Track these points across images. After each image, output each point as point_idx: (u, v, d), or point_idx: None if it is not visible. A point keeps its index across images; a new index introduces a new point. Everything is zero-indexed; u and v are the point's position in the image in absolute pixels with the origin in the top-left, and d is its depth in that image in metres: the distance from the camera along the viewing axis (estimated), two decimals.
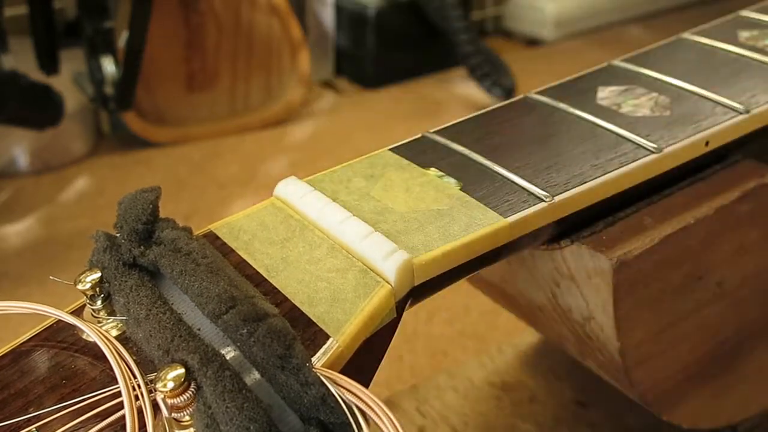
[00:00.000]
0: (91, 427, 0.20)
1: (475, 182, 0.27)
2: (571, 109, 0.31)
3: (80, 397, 0.21)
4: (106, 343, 0.21)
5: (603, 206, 0.29)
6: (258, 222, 0.26)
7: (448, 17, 1.11)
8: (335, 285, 0.23)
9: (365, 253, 0.24)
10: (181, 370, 0.19)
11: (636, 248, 0.28)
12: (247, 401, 0.19)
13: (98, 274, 0.23)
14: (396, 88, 1.14)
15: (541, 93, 0.33)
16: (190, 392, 0.19)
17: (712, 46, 0.36)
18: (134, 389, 0.20)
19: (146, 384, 0.20)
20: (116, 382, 0.20)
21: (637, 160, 0.29)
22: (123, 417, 0.19)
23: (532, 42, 1.32)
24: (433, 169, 0.28)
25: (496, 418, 0.40)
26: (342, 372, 0.21)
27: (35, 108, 0.75)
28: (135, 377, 0.20)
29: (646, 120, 0.31)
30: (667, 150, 0.29)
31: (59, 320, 0.23)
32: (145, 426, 0.19)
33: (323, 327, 0.22)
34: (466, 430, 0.40)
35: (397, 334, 0.24)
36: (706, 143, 0.30)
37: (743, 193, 0.30)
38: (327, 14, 1.15)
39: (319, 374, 0.20)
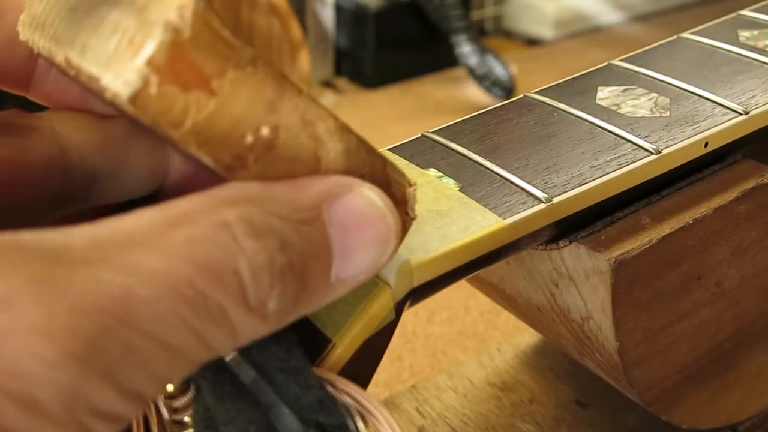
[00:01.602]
0: None
1: (474, 183, 0.27)
2: (571, 110, 0.31)
3: None
4: None
5: (602, 207, 0.29)
6: None
7: (448, 17, 1.11)
8: None
9: None
10: None
11: (634, 248, 0.28)
12: (247, 403, 0.19)
13: None
14: (396, 88, 1.14)
15: (540, 93, 0.33)
16: (190, 394, 0.19)
17: (712, 46, 0.36)
18: None
19: None
20: None
21: (636, 161, 0.29)
22: None
23: (532, 42, 1.32)
24: (432, 169, 0.28)
25: (495, 419, 0.41)
26: (341, 373, 0.21)
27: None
28: None
29: (645, 121, 0.31)
30: (666, 151, 0.29)
31: None
32: (148, 427, 0.19)
33: (322, 328, 0.22)
34: (465, 430, 0.40)
35: (397, 333, 0.24)
36: (706, 144, 0.30)
37: (742, 193, 0.30)
38: (327, 14, 1.15)
39: (317, 376, 0.20)
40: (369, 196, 0.19)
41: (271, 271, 0.16)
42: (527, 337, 0.45)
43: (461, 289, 0.33)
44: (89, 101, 0.22)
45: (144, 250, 0.15)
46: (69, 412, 0.14)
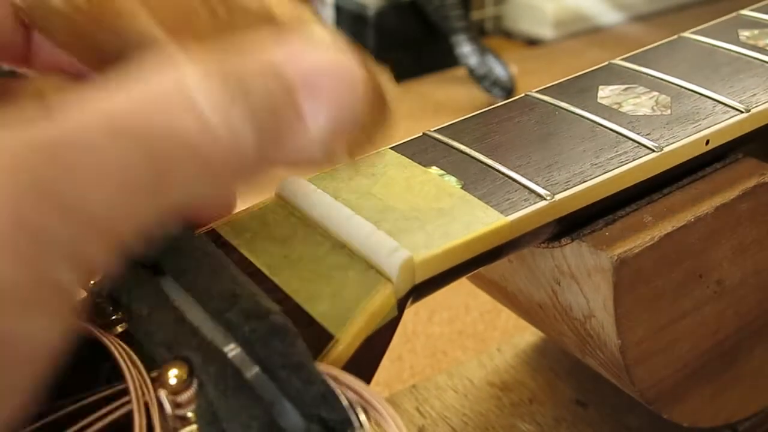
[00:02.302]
0: (96, 424, 0.20)
1: (476, 181, 0.27)
2: (572, 108, 0.31)
3: (82, 393, 0.21)
4: (111, 340, 0.21)
5: (604, 205, 0.29)
6: (260, 220, 0.26)
7: (448, 17, 1.11)
8: (337, 283, 0.23)
9: (367, 252, 0.24)
10: (184, 368, 0.19)
11: (636, 246, 0.28)
12: (249, 399, 0.19)
13: None
14: (396, 88, 1.14)
15: (541, 92, 0.33)
16: (193, 390, 0.19)
17: (713, 46, 0.36)
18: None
19: (150, 381, 0.20)
20: (119, 379, 0.20)
21: (637, 158, 0.29)
22: (126, 414, 0.19)
23: (532, 42, 1.32)
24: (434, 167, 0.28)
25: (495, 418, 0.41)
26: (343, 369, 0.21)
27: None
28: (141, 374, 0.20)
29: (646, 119, 0.31)
30: (667, 149, 0.29)
31: None
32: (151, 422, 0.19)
33: (325, 324, 0.22)
34: (466, 430, 0.40)
35: (397, 333, 0.24)
36: (707, 142, 0.30)
37: (743, 192, 0.30)
38: (327, 14, 1.16)
39: (320, 371, 0.20)
40: (322, 36, 0.19)
41: (225, 92, 0.16)
42: (527, 336, 0.45)
43: (462, 288, 0.33)
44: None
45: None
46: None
